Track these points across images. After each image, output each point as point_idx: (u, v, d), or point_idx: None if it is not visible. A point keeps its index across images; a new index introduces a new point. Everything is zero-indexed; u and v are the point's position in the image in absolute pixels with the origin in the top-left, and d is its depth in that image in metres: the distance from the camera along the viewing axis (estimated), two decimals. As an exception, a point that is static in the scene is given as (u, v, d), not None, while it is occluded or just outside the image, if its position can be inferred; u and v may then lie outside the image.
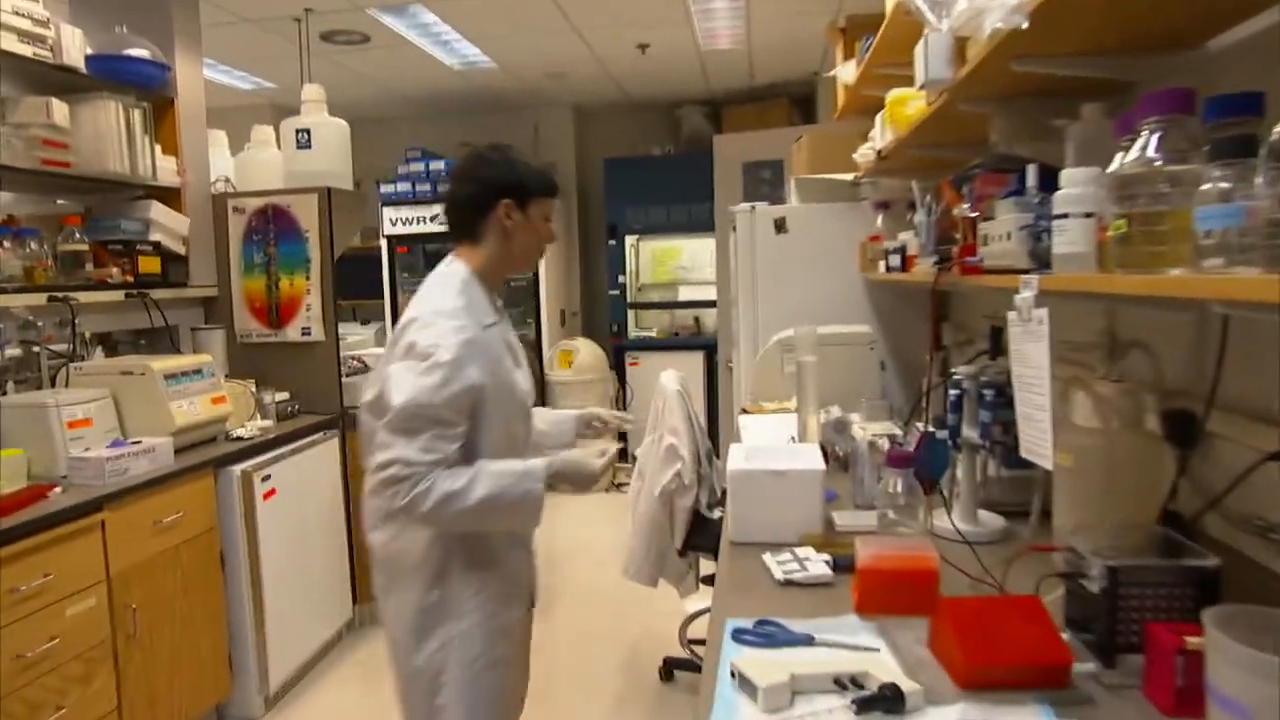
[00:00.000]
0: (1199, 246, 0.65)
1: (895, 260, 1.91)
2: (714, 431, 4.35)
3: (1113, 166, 0.79)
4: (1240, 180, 0.64)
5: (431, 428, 1.25)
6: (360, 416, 1.37)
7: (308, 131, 2.96)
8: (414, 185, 4.47)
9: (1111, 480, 1.01)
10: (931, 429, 1.43)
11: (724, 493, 1.76)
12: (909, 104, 1.71)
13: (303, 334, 2.70)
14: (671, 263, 5.38)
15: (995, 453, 1.29)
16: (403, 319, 1.33)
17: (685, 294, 5.45)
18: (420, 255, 4.51)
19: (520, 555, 1.43)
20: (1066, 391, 1.11)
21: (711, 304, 4.53)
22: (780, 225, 2.61)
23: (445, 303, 1.35)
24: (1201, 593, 0.84)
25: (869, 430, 1.71)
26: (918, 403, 1.67)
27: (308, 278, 2.69)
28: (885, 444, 1.55)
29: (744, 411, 2.26)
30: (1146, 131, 0.77)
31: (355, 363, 2.87)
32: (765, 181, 4.14)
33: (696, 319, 5.13)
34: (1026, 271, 1.02)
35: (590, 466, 1.37)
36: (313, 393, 2.70)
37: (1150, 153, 0.76)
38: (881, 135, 1.99)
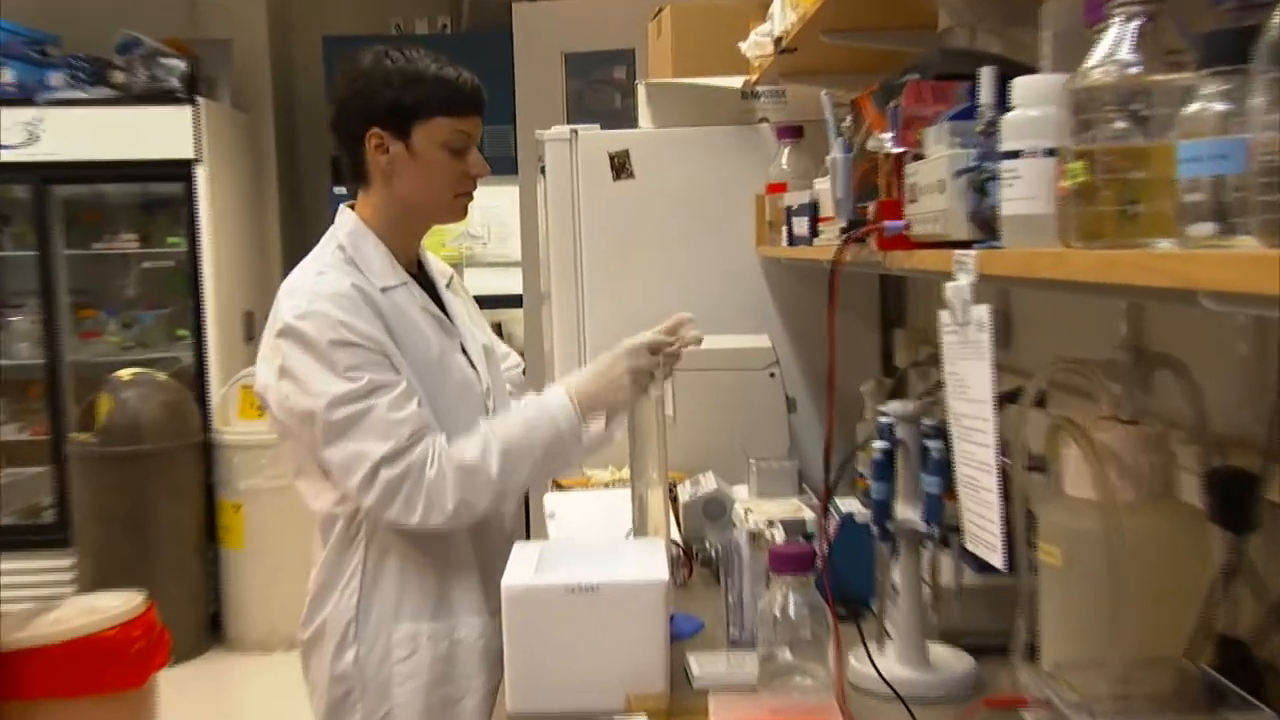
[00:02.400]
0: (1182, 205, 0.69)
1: (802, 225, 1.97)
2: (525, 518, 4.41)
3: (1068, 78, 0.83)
4: (1243, 100, 0.68)
5: (372, 397, 1.59)
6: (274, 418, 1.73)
7: None
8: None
9: (1121, 587, 1.00)
10: (853, 510, 1.47)
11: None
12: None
13: None
14: (451, 229, 5.42)
15: (952, 545, 1.35)
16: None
17: (477, 282, 5.70)
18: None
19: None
20: (1053, 441, 1.18)
21: (516, 301, 4.58)
22: (621, 164, 2.65)
23: (310, 263, 1.75)
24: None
25: (759, 513, 1.74)
26: (845, 464, 1.73)
27: None
28: (777, 535, 1.57)
29: (556, 485, 2.26)
30: (1119, 20, 0.82)
31: None
32: (602, 88, 4.20)
33: (498, 327, 5.23)
34: (964, 245, 1.06)
35: (626, 368, 1.76)
36: None
37: (1123, 53, 0.81)
38: (783, 13, 2.06)
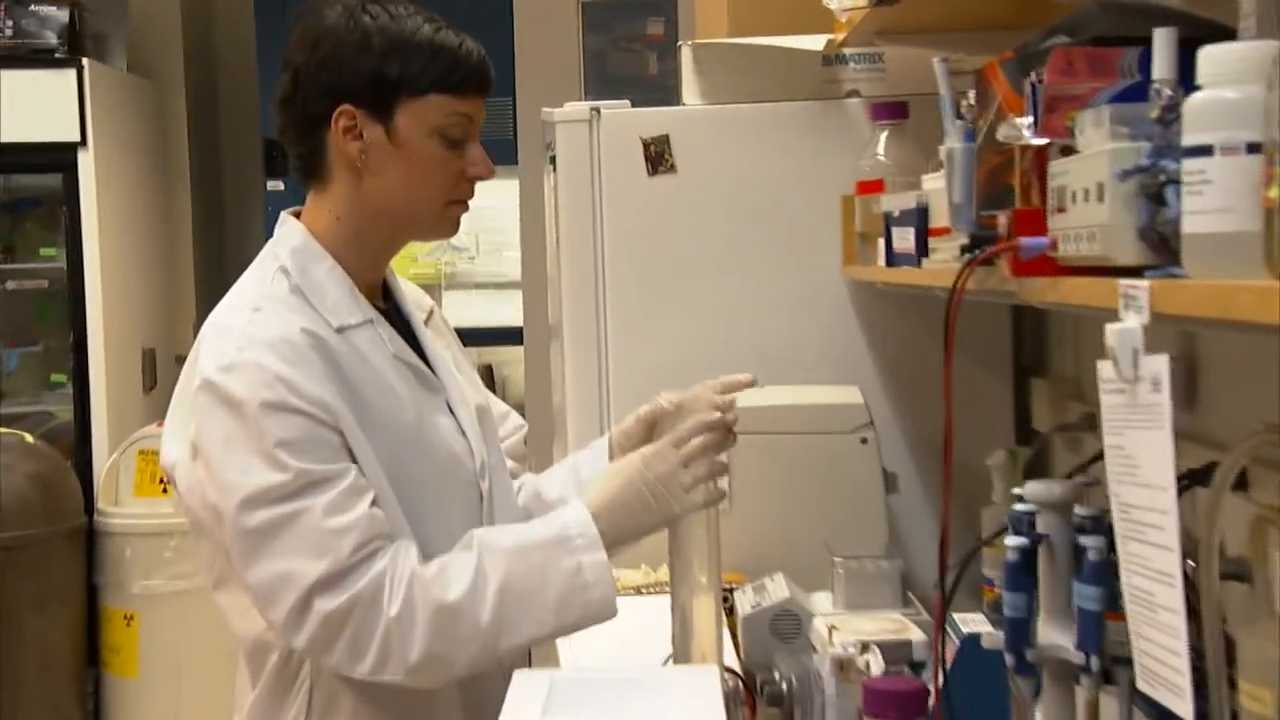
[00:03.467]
0: None
1: (906, 239, 2.00)
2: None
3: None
4: None
5: (305, 495, 1.59)
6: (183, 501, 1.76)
7: None
8: None
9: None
10: (978, 630, 1.48)
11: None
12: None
13: None
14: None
15: (1118, 683, 1.35)
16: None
17: (461, 310, 5.51)
18: None
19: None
20: (1259, 539, 1.19)
21: (514, 336, 4.60)
22: (658, 154, 2.68)
23: (243, 294, 1.75)
24: None
25: (848, 632, 1.75)
26: (965, 566, 1.73)
27: None
28: (873, 664, 1.58)
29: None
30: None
31: None
32: (630, 48, 4.25)
33: (488, 371, 5.21)
34: (1132, 272, 1.08)
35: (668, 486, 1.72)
36: None
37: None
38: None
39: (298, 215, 1.81)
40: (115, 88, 4.86)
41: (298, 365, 1.63)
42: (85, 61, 4.60)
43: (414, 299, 1.94)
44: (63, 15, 4.62)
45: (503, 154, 4.71)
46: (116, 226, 4.75)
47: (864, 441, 2.30)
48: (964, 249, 1.51)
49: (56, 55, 4.58)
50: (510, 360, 5.03)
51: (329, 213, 1.76)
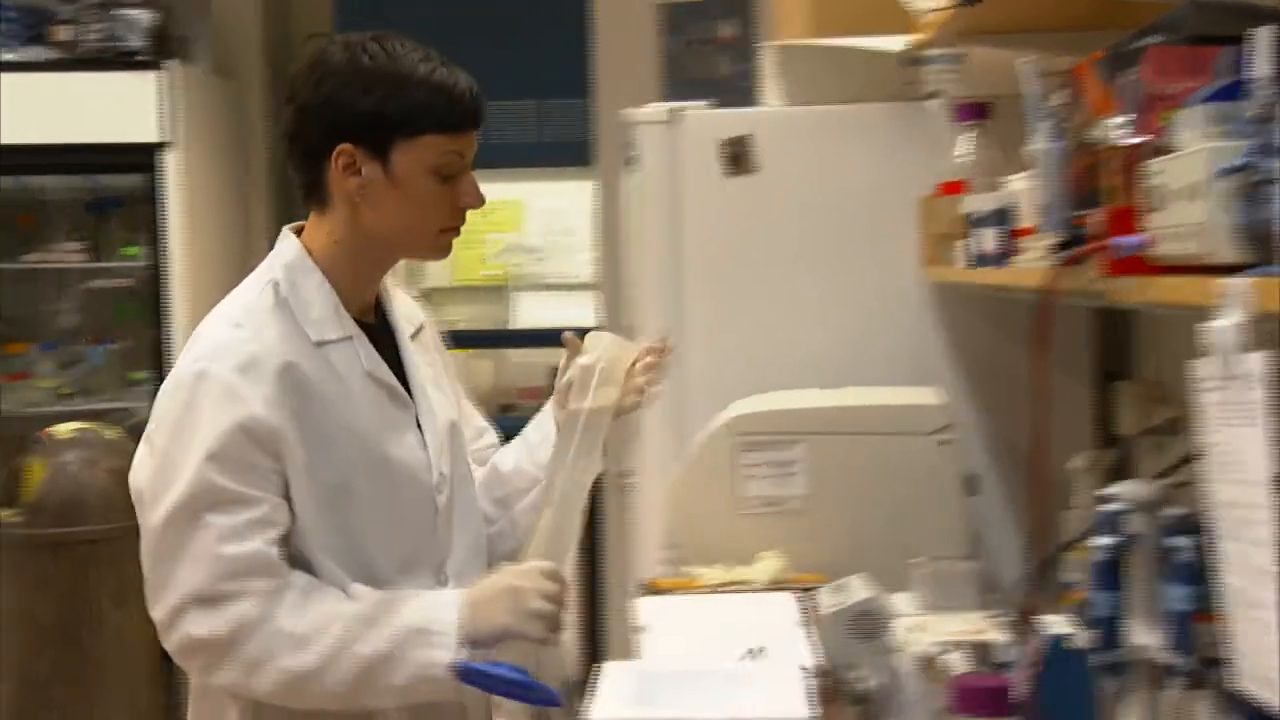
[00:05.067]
0: None
1: (990, 239, 1.99)
2: (594, 637, 4.49)
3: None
4: None
5: (214, 512, 1.70)
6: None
7: None
8: None
9: None
10: (1062, 631, 1.48)
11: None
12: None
13: None
14: (495, 240, 5.54)
15: (1210, 684, 1.34)
16: None
17: (528, 313, 5.60)
18: None
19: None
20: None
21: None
22: (739, 155, 2.69)
23: (232, 304, 1.87)
24: None
25: (930, 632, 1.75)
26: (1048, 566, 1.73)
27: None
28: (957, 664, 1.58)
29: (650, 588, 2.30)
30: None
31: None
32: (703, 50, 4.26)
33: (554, 373, 5.21)
34: (1231, 270, 1.08)
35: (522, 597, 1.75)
36: None
37: None
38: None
39: (300, 230, 1.91)
40: (198, 88, 4.91)
41: (257, 385, 1.74)
42: (170, 64, 4.66)
43: (405, 313, 2.01)
44: (148, 18, 4.69)
45: (576, 156, 4.80)
46: (199, 226, 4.79)
47: (944, 443, 2.30)
48: (1056, 249, 1.51)
49: (141, 58, 4.64)
50: (579, 362, 5.05)
51: (327, 234, 1.86)
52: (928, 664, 1.57)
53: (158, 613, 1.74)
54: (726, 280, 2.70)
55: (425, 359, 2.00)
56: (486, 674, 1.69)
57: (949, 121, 2.45)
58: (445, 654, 1.71)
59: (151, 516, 1.75)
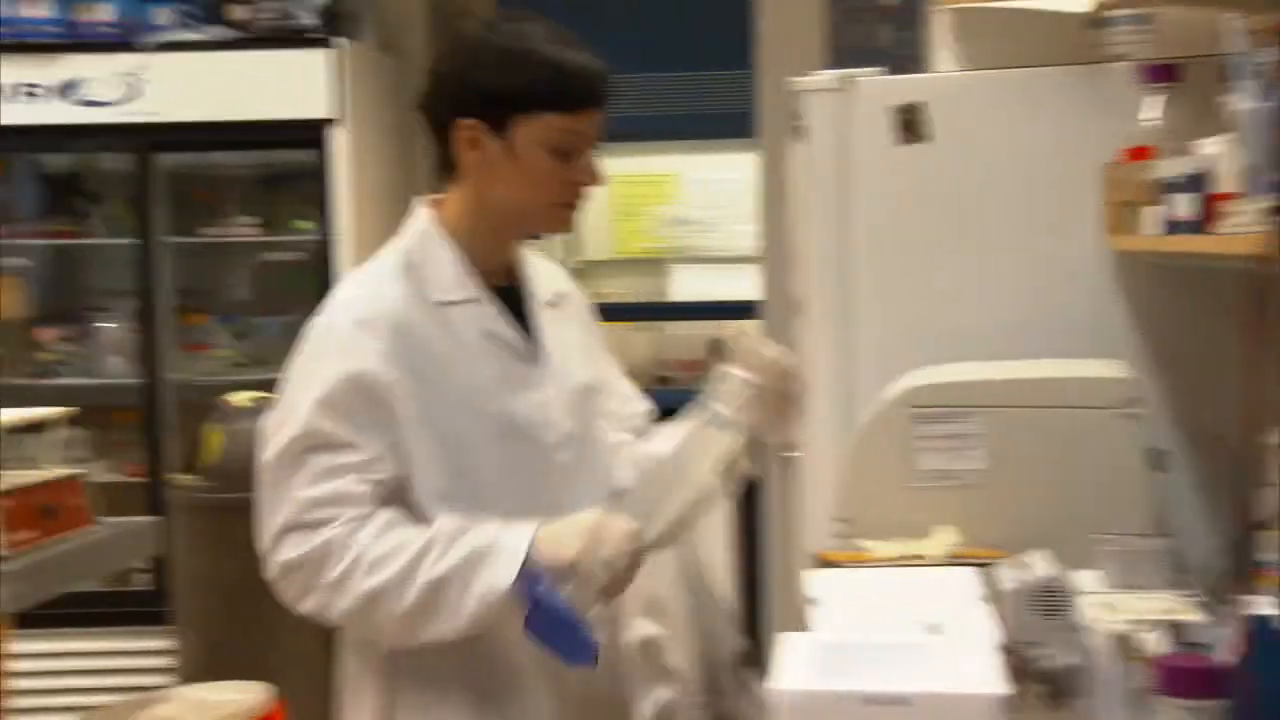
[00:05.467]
0: None
1: (1185, 206, 1.96)
2: (753, 608, 4.46)
3: None
4: None
5: (308, 459, 1.82)
6: None
7: None
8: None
9: None
10: (1268, 611, 1.45)
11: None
12: None
13: None
14: (653, 211, 5.63)
15: None
16: None
17: (687, 285, 5.70)
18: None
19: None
20: None
21: (746, 311, 4.66)
22: (912, 123, 2.68)
23: (364, 269, 2.01)
24: None
25: (1121, 611, 1.73)
26: (1245, 545, 1.70)
27: None
28: (1154, 643, 1.56)
29: (823, 561, 2.30)
30: None
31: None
32: (863, 18, 4.22)
33: (716, 346, 5.19)
34: None
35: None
36: None
37: None
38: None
39: (436, 203, 2.00)
40: (365, 65, 4.98)
41: (372, 339, 1.84)
42: (340, 41, 4.74)
43: (547, 281, 2.08)
44: (320, -3, 4.78)
45: (738, 127, 4.78)
46: (368, 199, 4.87)
47: (1130, 417, 2.26)
48: (1272, 211, 1.48)
49: (313, 35, 4.72)
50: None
51: (456, 205, 1.97)
52: (1123, 643, 1.55)
53: (261, 543, 1.85)
54: (898, 250, 2.69)
55: (565, 325, 2.06)
56: (539, 600, 1.71)
57: (1135, 85, 2.41)
58: (507, 575, 1.75)
59: (264, 454, 1.87)
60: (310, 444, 1.82)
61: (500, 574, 1.76)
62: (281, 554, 1.82)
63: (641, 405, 2.20)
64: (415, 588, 1.77)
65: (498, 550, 1.78)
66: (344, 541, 1.79)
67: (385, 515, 1.82)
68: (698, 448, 1.88)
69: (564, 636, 1.72)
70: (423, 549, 1.79)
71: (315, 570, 1.80)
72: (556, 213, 1.94)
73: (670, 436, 2.02)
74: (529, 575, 1.74)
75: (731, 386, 1.88)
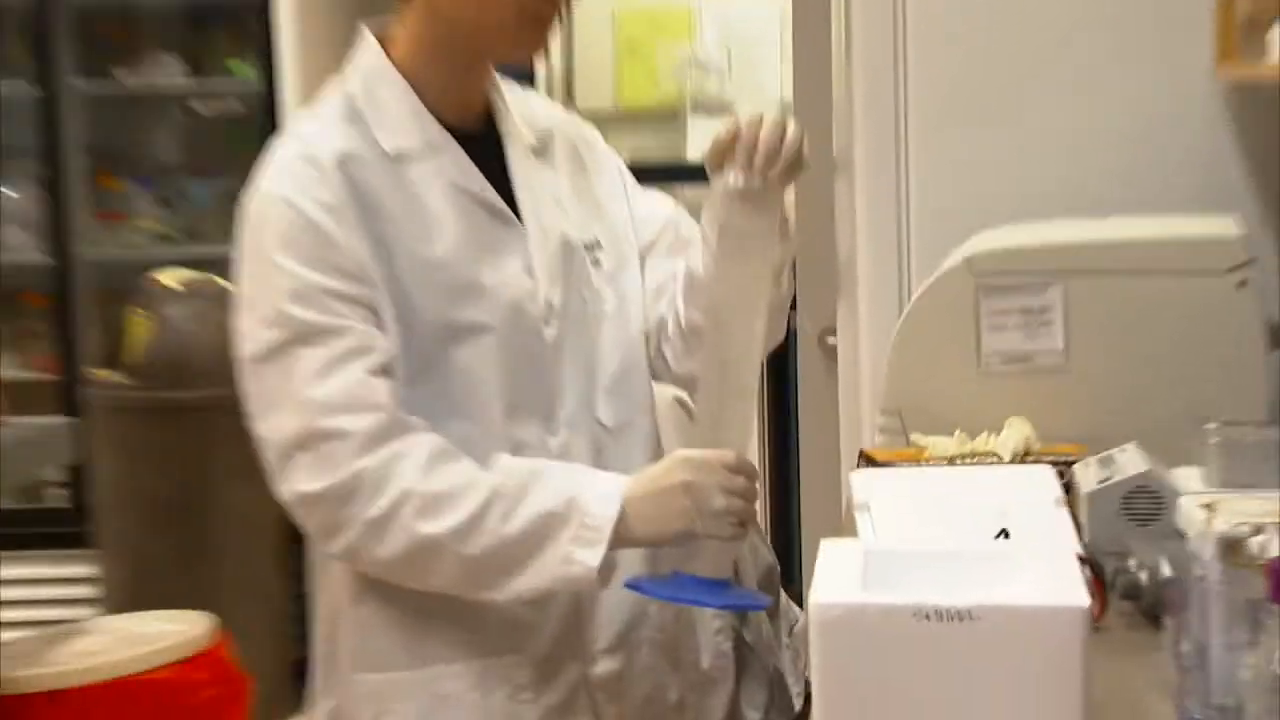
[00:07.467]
0: None
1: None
2: (786, 511, 4.55)
3: None
4: None
5: (300, 352, 1.77)
6: None
7: None
8: None
9: None
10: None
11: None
12: None
13: None
14: (667, 50, 5.57)
15: None
16: None
17: (708, 143, 5.70)
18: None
19: None
20: None
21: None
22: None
23: (301, 122, 1.96)
24: None
25: (1229, 513, 1.70)
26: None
27: None
28: (1269, 548, 1.54)
29: (866, 459, 2.31)
30: None
31: None
32: None
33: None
34: None
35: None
36: None
37: None
38: None
39: (386, 34, 1.94)
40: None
41: (327, 188, 1.81)
42: None
43: (529, 121, 2.03)
44: None
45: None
46: (318, 39, 4.76)
47: (1242, 284, 2.23)
48: None
49: None
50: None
51: (406, 30, 1.91)
52: (1233, 547, 1.52)
53: (265, 459, 1.81)
54: (961, 92, 2.66)
55: (549, 175, 2.02)
56: (657, 593, 1.75)
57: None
58: (593, 555, 1.76)
59: (243, 349, 1.84)
60: (296, 335, 1.78)
61: (582, 553, 1.76)
62: (296, 481, 1.78)
63: (687, 228, 2.15)
64: (477, 543, 1.77)
65: (581, 522, 1.77)
66: (381, 472, 1.75)
67: (426, 438, 1.80)
68: (729, 299, 1.87)
69: (721, 603, 1.77)
70: (489, 497, 1.78)
71: (343, 504, 1.76)
72: (523, 25, 1.85)
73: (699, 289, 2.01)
74: (641, 586, 1.80)
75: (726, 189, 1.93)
